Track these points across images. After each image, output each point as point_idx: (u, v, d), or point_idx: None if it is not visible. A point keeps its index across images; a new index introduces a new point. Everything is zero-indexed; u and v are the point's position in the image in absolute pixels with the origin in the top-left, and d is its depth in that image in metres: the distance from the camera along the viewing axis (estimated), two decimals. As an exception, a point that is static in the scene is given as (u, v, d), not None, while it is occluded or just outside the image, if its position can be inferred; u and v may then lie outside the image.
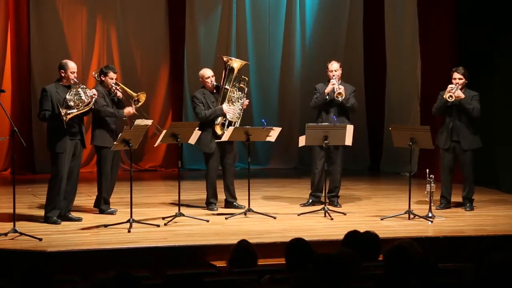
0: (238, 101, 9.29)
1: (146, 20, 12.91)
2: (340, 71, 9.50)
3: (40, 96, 8.33)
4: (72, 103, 8.16)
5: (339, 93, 9.28)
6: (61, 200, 8.32)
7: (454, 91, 9.13)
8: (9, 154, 11.94)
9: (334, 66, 9.49)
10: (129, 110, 8.90)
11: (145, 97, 9.09)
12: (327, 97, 9.39)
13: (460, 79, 9.25)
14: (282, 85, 13.62)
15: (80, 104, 8.21)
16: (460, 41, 11.55)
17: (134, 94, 9.02)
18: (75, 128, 8.31)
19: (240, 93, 9.33)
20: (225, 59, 9.50)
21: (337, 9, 13.62)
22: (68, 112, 8.10)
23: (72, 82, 8.28)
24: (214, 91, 9.33)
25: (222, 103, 9.23)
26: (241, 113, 9.33)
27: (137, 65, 12.90)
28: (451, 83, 9.27)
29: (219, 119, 9.21)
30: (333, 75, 9.42)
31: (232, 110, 9.21)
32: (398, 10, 12.89)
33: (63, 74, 8.30)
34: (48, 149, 8.38)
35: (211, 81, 9.26)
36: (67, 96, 8.16)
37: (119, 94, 8.89)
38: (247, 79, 9.49)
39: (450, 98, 9.12)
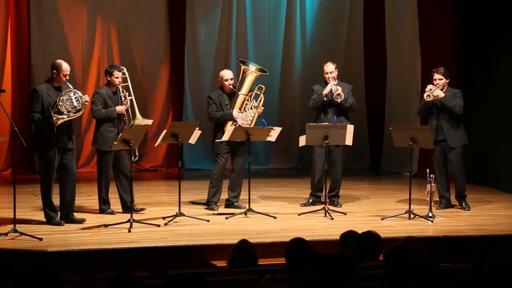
0: (251, 109, 9.28)
1: (146, 20, 12.91)
2: (336, 72, 9.49)
3: (31, 96, 8.22)
4: (63, 109, 8.05)
5: (338, 94, 9.28)
6: (51, 201, 8.28)
7: (433, 90, 9.18)
8: (9, 154, 11.94)
9: (330, 68, 9.48)
10: (120, 108, 8.82)
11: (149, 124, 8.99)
12: (325, 98, 9.39)
13: (440, 79, 9.30)
14: (282, 85, 13.61)
15: (72, 110, 8.10)
16: (460, 41, 11.55)
17: (138, 115, 8.91)
18: (63, 130, 8.17)
19: (254, 100, 9.32)
20: (243, 67, 9.48)
21: (337, 10, 13.62)
22: (59, 117, 8.02)
23: (62, 83, 8.19)
24: (230, 92, 9.32)
25: (233, 107, 9.23)
26: (255, 119, 9.32)
27: (137, 65, 12.89)
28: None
29: (230, 123, 9.18)
30: (329, 77, 9.42)
31: (242, 116, 9.19)
32: (398, 10, 12.89)
33: (55, 75, 8.19)
34: (35, 150, 8.32)
35: (229, 84, 9.26)
36: (59, 102, 8.04)
37: (124, 99, 8.83)
38: (264, 87, 9.47)
39: (428, 97, 9.18)
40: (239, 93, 9.31)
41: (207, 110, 9.37)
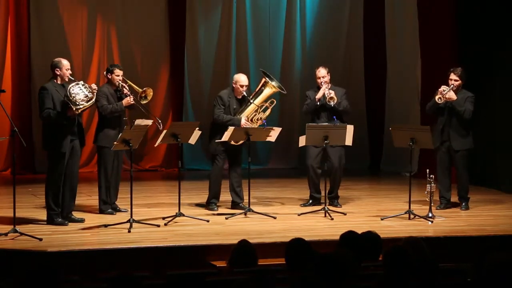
0: (257, 121, 9.24)
1: (146, 20, 12.92)
2: (328, 76, 9.48)
3: (40, 95, 8.22)
4: (77, 97, 8.08)
5: (331, 98, 9.28)
6: (61, 200, 8.29)
7: (446, 93, 9.13)
8: (9, 154, 11.93)
9: (322, 73, 9.47)
10: (127, 100, 8.85)
11: (152, 92, 9.02)
12: (318, 103, 9.39)
13: (456, 80, 9.25)
14: (282, 85, 13.53)
15: (85, 99, 8.15)
16: (460, 41, 11.55)
17: (140, 90, 8.96)
18: (74, 127, 8.27)
19: (263, 113, 9.28)
20: (264, 79, 9.38)
21: (337, 10, 13.63)
22: (78, 107, 8.08)
23: (67, 79, 8.24)
24: (240, 97, 9.28)
25: (241, 113, 9.20)
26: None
27: (137, 65, 12.90)
28: (448, 83, 9.28)
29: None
30: (321, 82, 9.41)
31: (248, 126, 9.14)
32: (398, 10, 12.90)
33: (58, 72, 8.22)
34: (45, 148, 8.31)
35: (243, 91, 9.20)
36: (71, 92, 8.06)
37: (125, 91, 8.87)
38: (275, 102, 9.43)
39: (440, 100, 9.12)
40: (252, 102, 9.24)
41: (213, 108, 9.31)
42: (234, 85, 9.28)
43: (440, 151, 9.39)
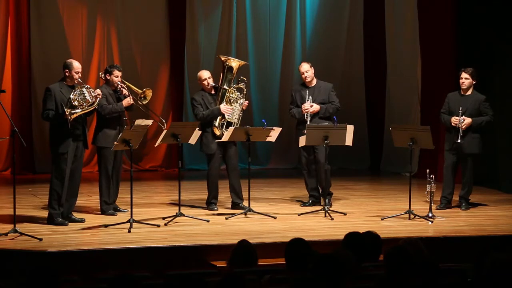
0: (237, 102, 9.29)
1: (146, 20, 12.91)
2: (312, 70, 9.50)
3: (44, 95, 8.28)
4: (76, 103, 8.11)
5: (313, 111, 9.32)
6: (63, 201, 8.30)
7: (462, 124, 9.08)
8: (9, 154, 11.94)
9: (304, 67, 9.51)
10: (127, 101, 8.86)
11: (151, 93, 9.05)
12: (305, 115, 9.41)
13: (466, 78, 9.26)
14: (282, 85, 13.61)
15: (85, 104, 8.16)
16: (460, 41, 11.55)
17: (140, 91, 8.98)
18: (78, 129, 8.28)
19: (238, 93, 9.32)
20: (223, 58, 9.50)
21: (337, 10, 13.63)
22: (73, 112, 8.08)
23: (76, 82, 8.26)
24: (213, 92, 9.33)
25: (220, 103, 9.23)
26: (241, 114, 9.33)
27: (137, 65, 12.91)
28: (457, 82, 9.30)
29: (218, 120, 9.19)
30: (305, 76, 9.42)
31: (229, 110, 9.21)
32: (398, 10, 12.90)
33: (67, 74, 8.27)
34: (50, 149, 8.36)
35: (208, 83, 9.28)
36: (71, 96, 8.11)
37: (125, 92, 8.87)
38: (246, 80, 9.48)
39: (461, 139, 9.06)
40: (223, 87, 9.29)
41: (193, 112, 9.38)
42: (199, 83, 9.37)
43: (449, 153, 9.37)
